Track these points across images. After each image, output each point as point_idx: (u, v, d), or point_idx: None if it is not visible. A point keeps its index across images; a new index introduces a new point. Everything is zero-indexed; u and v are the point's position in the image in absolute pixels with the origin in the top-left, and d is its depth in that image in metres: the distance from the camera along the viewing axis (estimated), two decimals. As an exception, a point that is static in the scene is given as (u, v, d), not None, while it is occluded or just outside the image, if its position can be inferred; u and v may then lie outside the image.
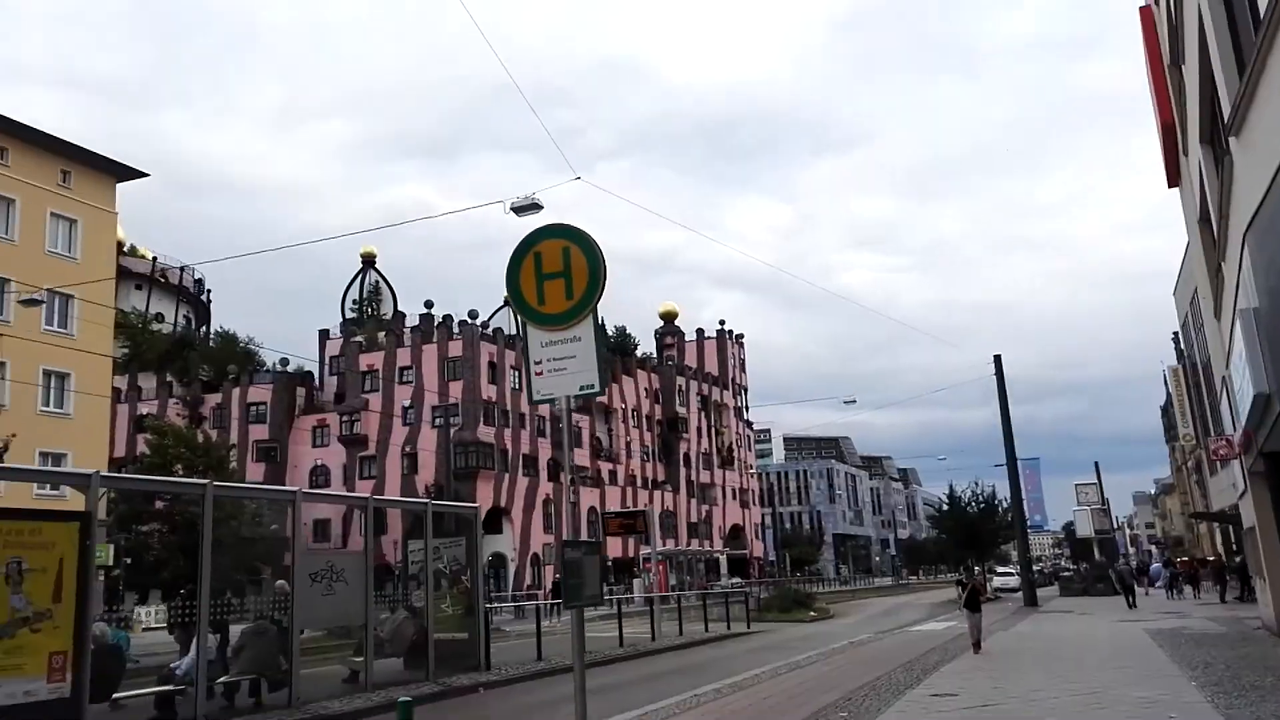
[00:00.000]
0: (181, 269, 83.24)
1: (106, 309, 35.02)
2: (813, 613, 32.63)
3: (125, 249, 79.87)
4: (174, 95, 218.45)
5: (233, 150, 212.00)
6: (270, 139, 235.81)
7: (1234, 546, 44.61)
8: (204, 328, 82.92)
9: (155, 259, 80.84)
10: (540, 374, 6.43)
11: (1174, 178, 18.85)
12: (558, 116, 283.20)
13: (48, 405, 32.58)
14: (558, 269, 6.52)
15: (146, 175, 36.88)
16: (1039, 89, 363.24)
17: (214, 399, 66.09)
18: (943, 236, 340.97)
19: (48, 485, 28.04)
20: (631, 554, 64.27)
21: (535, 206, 17.27)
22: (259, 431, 63.89)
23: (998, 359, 35.52)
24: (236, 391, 65.13)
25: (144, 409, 65.71)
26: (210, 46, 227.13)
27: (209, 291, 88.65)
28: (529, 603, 34.26)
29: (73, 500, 24.58)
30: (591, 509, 67.23)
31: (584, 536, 61.13)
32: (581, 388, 6.33)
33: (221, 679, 10.98)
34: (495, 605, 36.06)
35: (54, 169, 33.64)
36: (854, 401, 37.05)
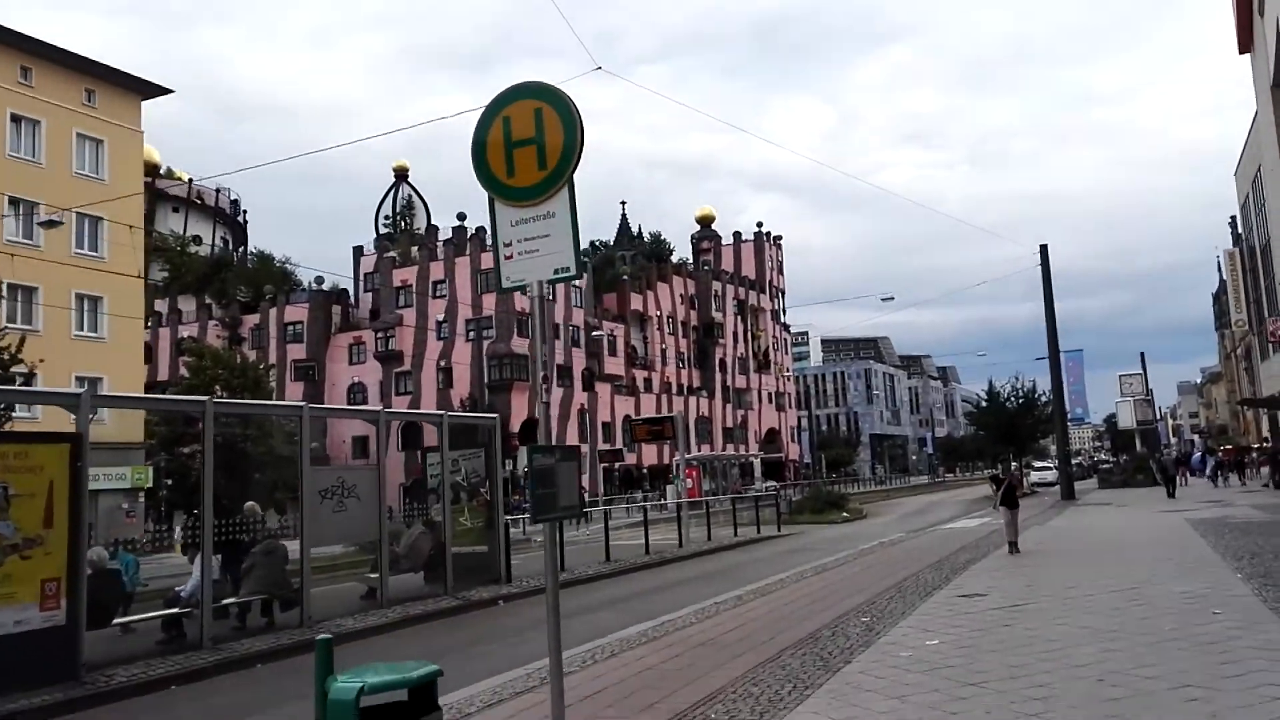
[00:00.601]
0: (217, 191, 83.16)
1: (136, 230, 34.77)
2: (845, 514, 32.44)
3: (161, 171, 79.86)
4: (214, 15, 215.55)
5: (272, 70, 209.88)
6: (309, 56, 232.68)
7: (1283, 434, 43.54)
8: (241, 249, 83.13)
9: (191, 180, 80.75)
10: (510, 257, 5.77)
11: (1246, 42, 17.45)
12: (597, 19, 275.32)
13: (81, 329, 32.75)
14: (529, 135, 5.74)
15: (171, 91, 36.24)
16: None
17: (252, 320, 66.63)
18: (992, 130, 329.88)
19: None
20: (666, 460, 64.60)
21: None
22: (296, 351, 64.43)
23: (1043, 248, 34.35)
24: (274, 312, 65.51)
25: (184, 331, 66.60)
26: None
27: (245, 212, 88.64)
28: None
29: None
30: (626, 417, 67.43)
31: (618, 445, 61.59)
32: (556, 271, 5.66)
33: (228, 600, 10.89)
34: (522, 516, 36.38)
35: (78, 88, 33.05)
36: (892, 299, 36.17)
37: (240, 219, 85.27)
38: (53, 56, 32.11)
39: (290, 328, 64.71)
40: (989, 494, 31.88)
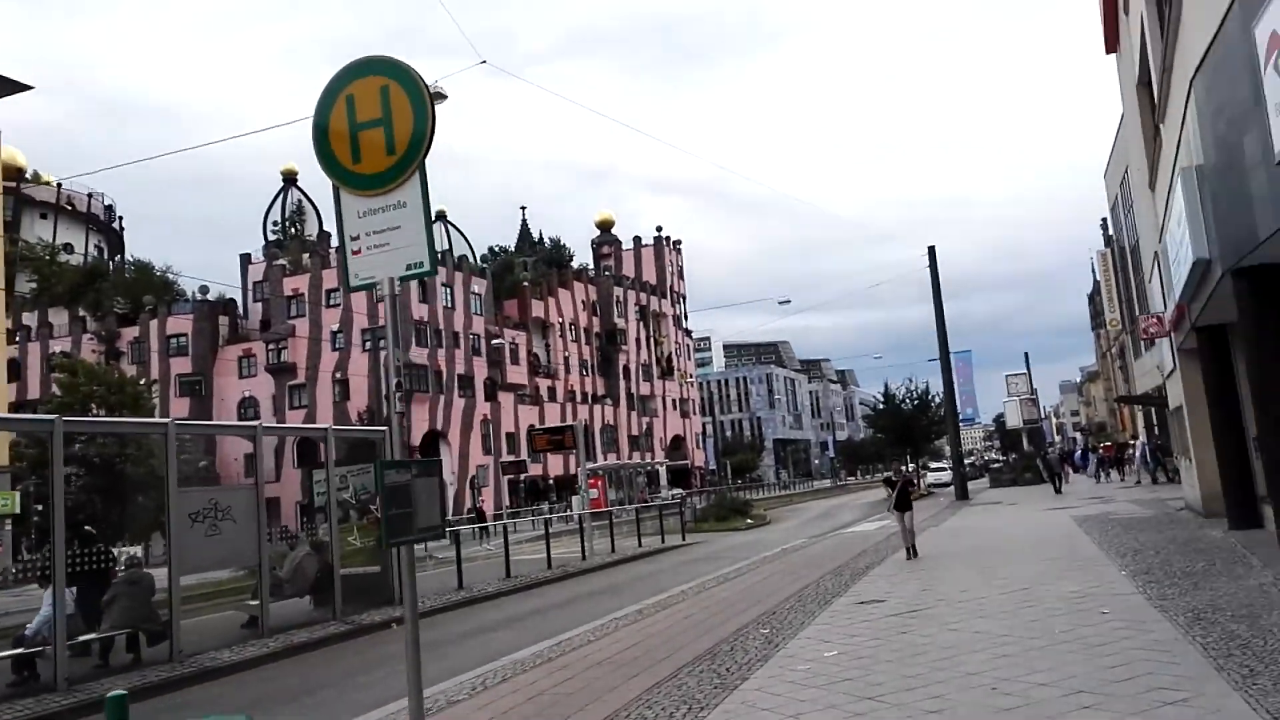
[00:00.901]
0: (90, 196, 78.98)
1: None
2: (749, 520, 32.61)
3: (28, 175, 75.35)
4: (89, 7, 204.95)
5: (152, 66, 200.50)
6: (190, 54, 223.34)
7: (1155, 430, 45.80)
8: (118, 258, 79.11)
9: (60, 185, 76.39)
10: (358, 252, 5.28)
11: (1112, 42, 18.12)
12: (497, 18, 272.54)
13: (-67, 345, 30.36)
14: (375, 116, 5.24)
15: (30, 88, 33.77)
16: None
17: (131, 333, 63.34)
18: (885, 133, 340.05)
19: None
20: (573, 471, 64.13)
21: (438, 95, 15.88)
22: (181, 365, 61.55)
23: (931, 250, 35.24)
24: (154, 323, 62.43)
25: (56, 346, 62.91)
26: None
27: (120, 219, 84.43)
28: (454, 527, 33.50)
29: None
30: (531, 426, 66.55)
31: (521, 457, 60.72)
32: (409, 267, 5.23)
33: (86, 636, 10.04)
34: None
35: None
36: (788, 302, 36.81)
37: (116, 225, 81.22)
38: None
39: (174, 340, 61.79)
40: (884, 497, 32.49)
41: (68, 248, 74.36)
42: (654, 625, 10.50)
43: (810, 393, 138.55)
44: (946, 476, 44.62)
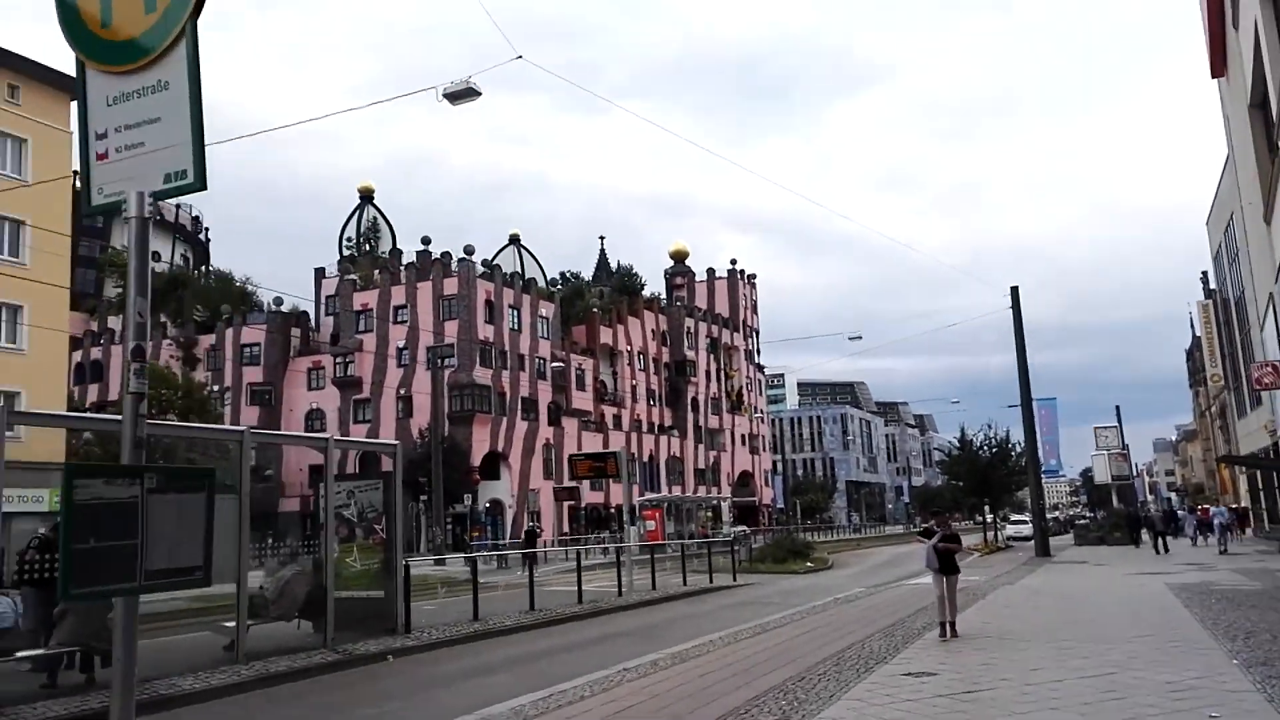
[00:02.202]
0: (178, 206, 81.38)
1: (62, 236, 32.82)
2: (809, 563, 30.67)
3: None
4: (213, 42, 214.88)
5: (248, 89, 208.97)
6: (287, 78, 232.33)
7: (1263, 492, 42.31)
8: (203, 267, 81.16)
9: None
10: (105, 156, 3.87)
11: (1219, 65, 16.23)
12: (578, 54, 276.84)
13: (-2, 340, 30.71)
14: None
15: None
16: (1075, 25, 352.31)
17: (208, 340, 64.46)
18: (966, 179, 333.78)
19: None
20: (635, 500, 62.61)
21: (472, 93, 14.93)
22: (253, 374, 62.29)
23: (1014, 290, 33.07)
24: (230, 332, 63.41)
25: (137, 350, 64.26)
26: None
27: (207, 230, 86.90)
28: (492, 552, 32.30)
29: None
30: (573, 453, 65.21)
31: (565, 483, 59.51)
32: (167, 179, 3.77)
33: (28, 652, 9.03)
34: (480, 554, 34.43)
35: (0, 83, 31.29)
36: (859, 338, 34.81)
37: (202, 236, 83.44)
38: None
39: (247, 350, 62.60)
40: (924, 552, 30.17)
41: (155, 256, 76.55)
42: (661, 683, 9.02)
43: (887, 436, 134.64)
44: (1027, 530, 41.80)
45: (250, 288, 70.63)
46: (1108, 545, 37.20)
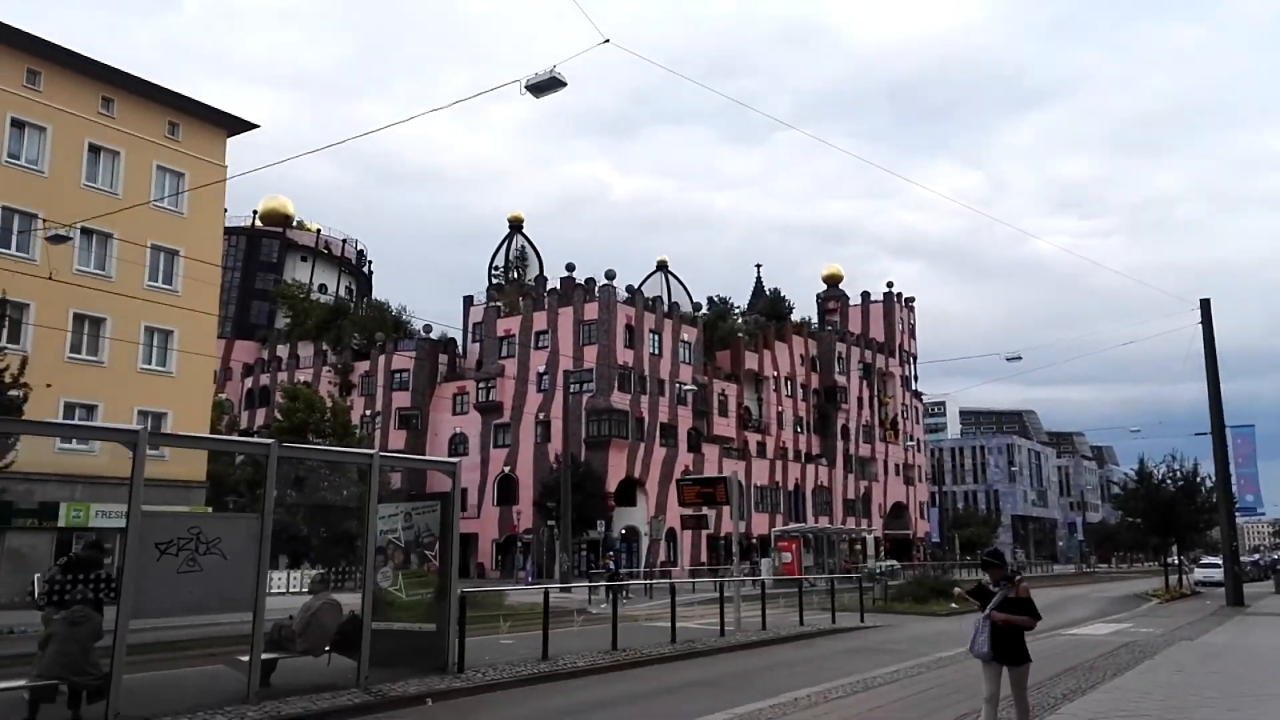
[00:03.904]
0: (344, 241, 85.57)
1: (212, 267, 34.24)
2: (954, 604, 27.65)
3: (294, 223, 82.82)
4: (372, 86, 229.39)
5: (424, 135, 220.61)
6: (457, 123, 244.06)
7: None
8: (365, 299, 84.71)
9: (319, 231, 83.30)
10: None
11: None
12: (737, 85, 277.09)
13: (149, 363, 32.11)
14: None
15: (257, 126, 35.94)
16: (1268, 28, 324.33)
17: (363, 366, 66.82)
18: (1153, 196, 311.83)
19: (75, 440, 27.17)
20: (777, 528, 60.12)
21: (557, 83, 13.84)
22: (401, 399, 63.96)
23: (1205, 303, 29.14)
24: (382, 359, 65.48)
25: (300, 376, 67.22)
26: (401, 35, 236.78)
27: (370, 263, 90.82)
28: (597, 584, 30.70)
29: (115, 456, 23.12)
30: (680, 478, 63.11)
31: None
32: None
33: (8, 684, 8.25)
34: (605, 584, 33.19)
35: (161, 120, 33.01)
36: (1018, 358, 31.38)
37: (365, 269, 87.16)
38: (136, 88, 32.04)
39: (397, 375, 64.40)
40: (1131, 595, 26.33)
41: (322, 288, 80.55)
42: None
43: (1059, 468, 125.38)
44: (1219, 574, 36.83)
45: (405, 317, 73.02)
46: (1319, 596, 32.11)
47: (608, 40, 13.25)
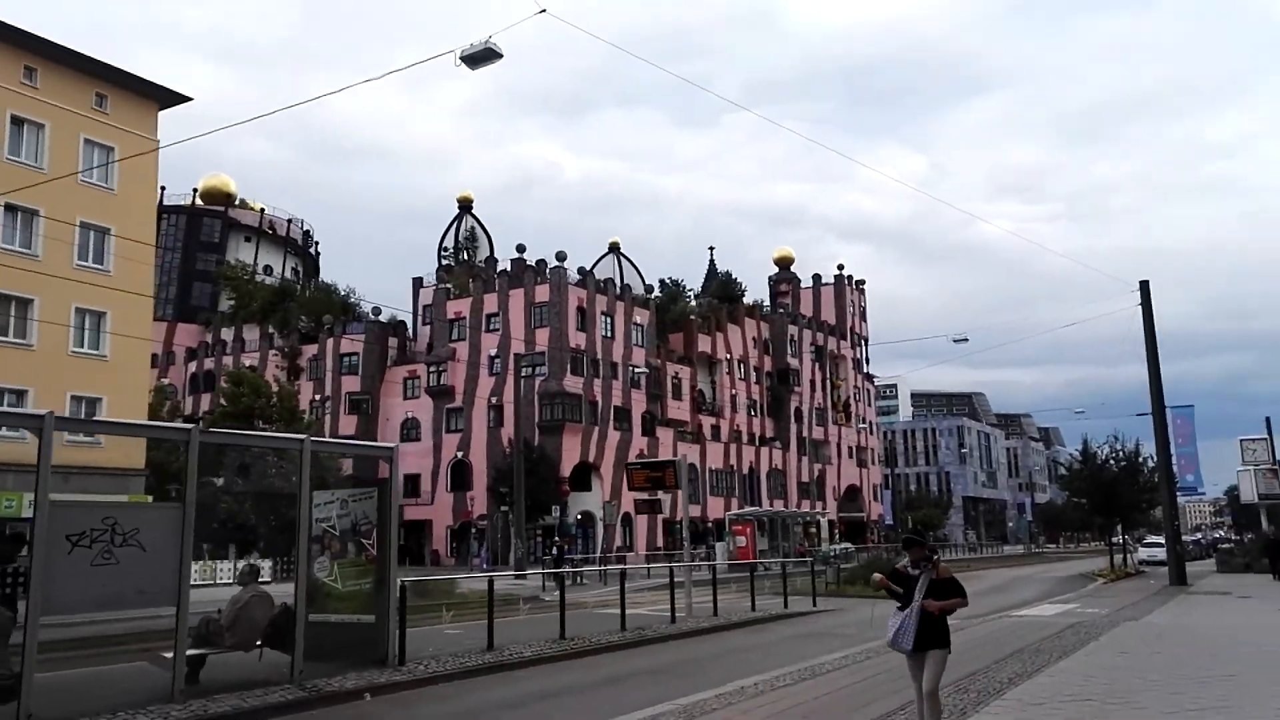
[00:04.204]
0: (289, 221, 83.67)
1: (146, 246, 33.07)
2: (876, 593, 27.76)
3: (236, 201, 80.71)
4: (317, 61, 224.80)
5: (371, 113, 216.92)
6: (403, 102, 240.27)
7: None
8: (312, 280, 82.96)
9: (263, 210, 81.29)
10: None
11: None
12: (686, 68, 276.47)
13: (81, 346, 30.97)
14: None
15: (189, 99, 34.67)
16: (1208, 20, 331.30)
17: (311, 350, 65.51)
18: (1096, 182, 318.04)
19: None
20: (731, 512, 60.33)
21: (492, 54, 13.42)
22: (351, 383, 62.86)
23: (1144, 285, 29.57)
24: (331, 343, 64.26)
25: (246, 360, 65.69)
26: (350, 12, 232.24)
27: (317, 244, 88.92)
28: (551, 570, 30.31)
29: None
30: (691, 466, 63.38)
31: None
32: None
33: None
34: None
35: (88, 92, 31.69)
36: (965, 340, 31.66)
37: (312, 250, 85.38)
38: (60, 58, 30.67)
39: (346, 359, 63.24)
40: (1078, 575, 26.70)
41: (267, 269, 78.70)
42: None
43: (1007, 449, 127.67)
44: (1162, 554, 37.60)
45: (353, 299, 71.67)
46: (1254, 573, 32.93)
47: (544, 11, 12.87)
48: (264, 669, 10.38)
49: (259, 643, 10.37)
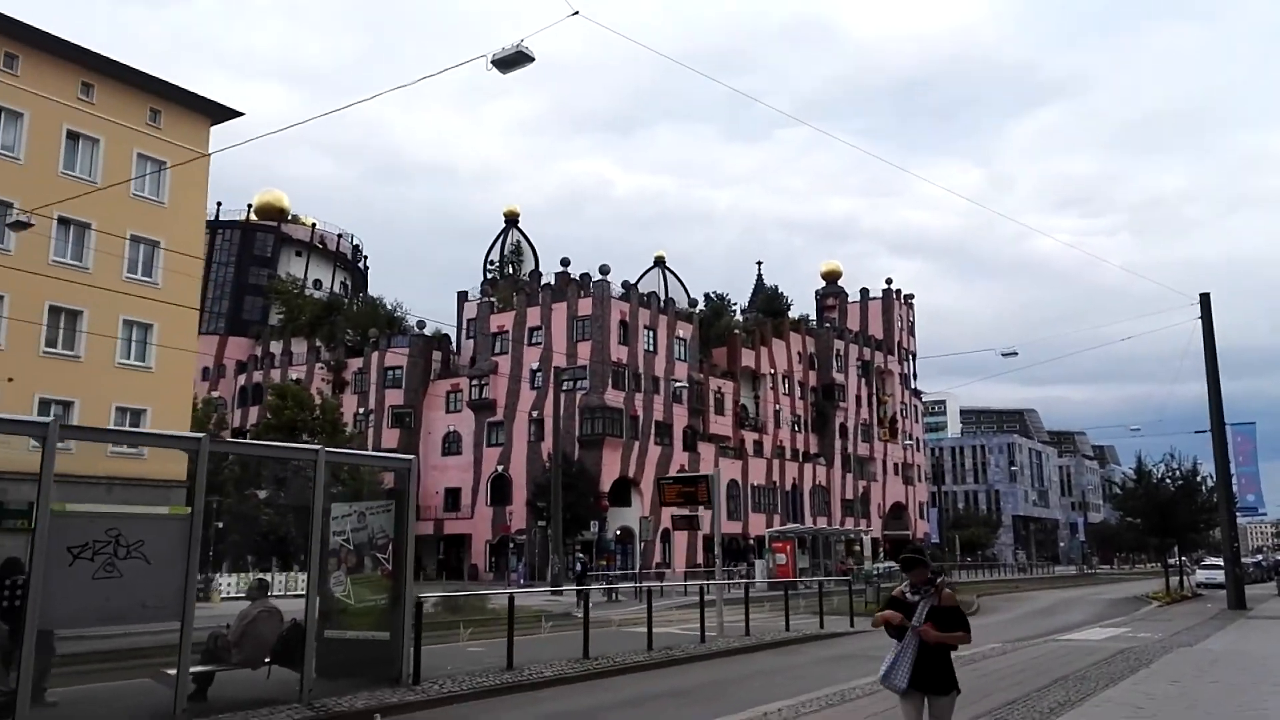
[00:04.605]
0: (339, 236, 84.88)
1: (194, 259, 33.56)
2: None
3: (289, 217, 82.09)
4: (378, 82, 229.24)
5: (426, 135, 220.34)
6: (459, 121, 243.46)
7: None
8: (360, 295, 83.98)
9: (314, 225, 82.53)
10: None
11: None
12: (738, 82, 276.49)
13: (128, 358, 31.44)
14: None
15: (241, 114, 35.20)
16: (1275, 30, 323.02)
17: (356, 363, 66.17)
18: (1159, 194, 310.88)
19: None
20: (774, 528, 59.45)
21: (524, 58, 13.25)
22: (395, 396, 63.35)
23: (1204, 297, 28.46)
24: (375, 356, 64.84)
25: (293, 374, 66.59)
26: (404, 31, 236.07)
27: (366, 258, 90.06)
28: (587, 586, 29.85)
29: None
30: (732, 482, 62.80)
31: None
32: None
33: None
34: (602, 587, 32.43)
35: (143, 108, 32.33)
36: (1015, 354, 30.75)
37: (361, 265, 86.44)
38: (116, 73, 31.32)
39: (390, 373, 63.79)
40: (1131, 597, 25.57)
41: (316, 283, 79.82)
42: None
43: (1060, 468, 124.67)
44: (1219, 576, 36.14)
45: (399, 313, 72.30)
46: (1321, 598, 31.44)
47: (576, 13, 12.65)
48: (272, 687, 10.18)
49: (267, 660, 10.18)
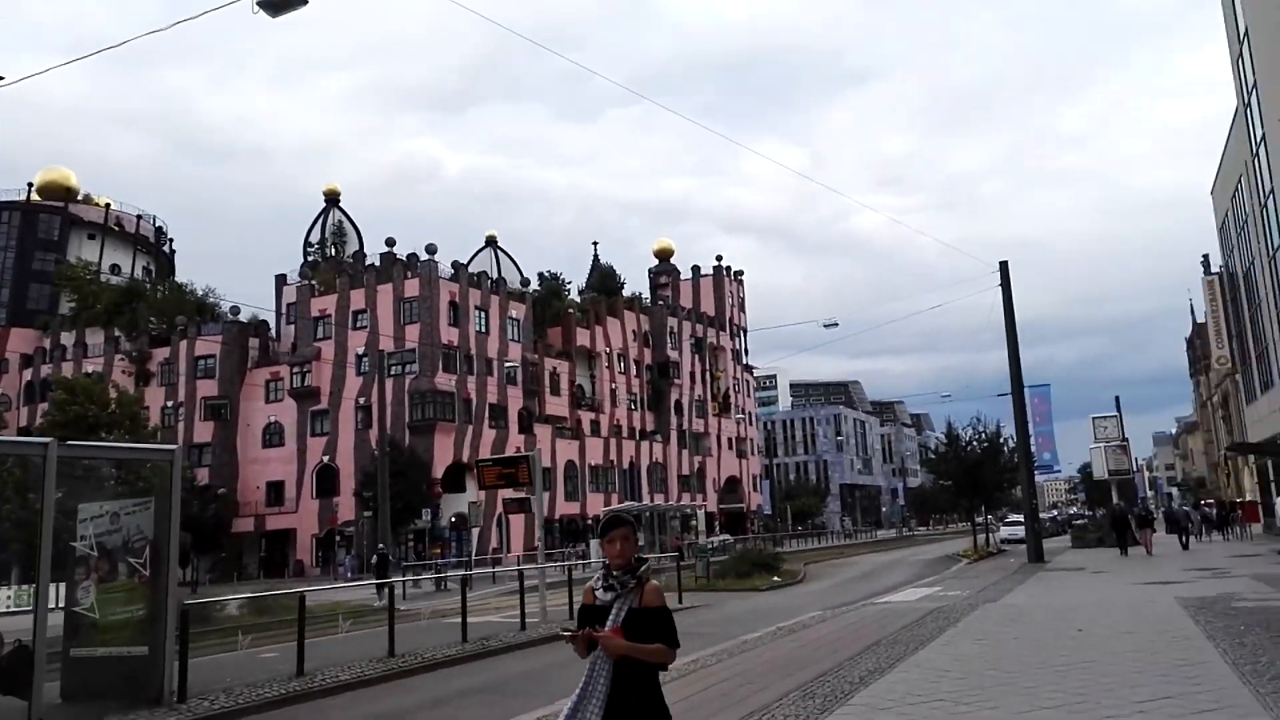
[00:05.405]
0: (139, 217, 78.47)
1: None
2: (776, 578, 27.44)
3: (79, 197, 75.02)
4: (181, 54, 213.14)
5: (242, 110, 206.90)
6: (278, 96, 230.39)
7: (1274, 483, 39.23)
8: (166, 280, 77.96)
9: (109, 206, 75.84)
10: None
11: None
12: (563, 64, 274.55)
13: None
14: None
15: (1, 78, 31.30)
16: (1066, 12, 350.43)
17: (163, 353, 61.33)
18: (961, 173, 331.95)
19: None
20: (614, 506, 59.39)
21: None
22: (208, 387, 59.17)
23: (1004, 265, 30.05)
24: (184, 345, 60.27)
25: (89, 366, 61.00)
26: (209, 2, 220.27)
27: (171, 241, 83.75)
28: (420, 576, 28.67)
29: None
30: (570, 463, 62.35)
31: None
32: None
33: None
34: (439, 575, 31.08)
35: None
36: (835, 325, 31.64)
37: (166, 248, 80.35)
38: None
39: (202, 362, 59.49)
40: (944, 556, 26.57)
41: (114, 269, 73.47)
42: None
43: (882, 436, 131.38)
44: (1021, 532, 38.62)
45: (211, 299, 67.41)
46: (1106, 547, 34.05)
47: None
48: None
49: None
